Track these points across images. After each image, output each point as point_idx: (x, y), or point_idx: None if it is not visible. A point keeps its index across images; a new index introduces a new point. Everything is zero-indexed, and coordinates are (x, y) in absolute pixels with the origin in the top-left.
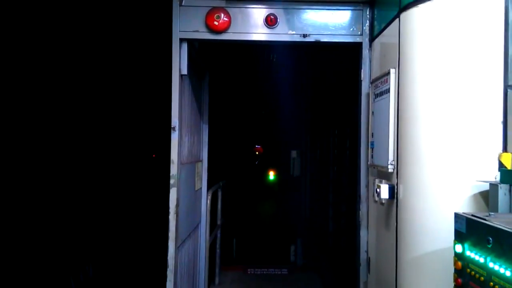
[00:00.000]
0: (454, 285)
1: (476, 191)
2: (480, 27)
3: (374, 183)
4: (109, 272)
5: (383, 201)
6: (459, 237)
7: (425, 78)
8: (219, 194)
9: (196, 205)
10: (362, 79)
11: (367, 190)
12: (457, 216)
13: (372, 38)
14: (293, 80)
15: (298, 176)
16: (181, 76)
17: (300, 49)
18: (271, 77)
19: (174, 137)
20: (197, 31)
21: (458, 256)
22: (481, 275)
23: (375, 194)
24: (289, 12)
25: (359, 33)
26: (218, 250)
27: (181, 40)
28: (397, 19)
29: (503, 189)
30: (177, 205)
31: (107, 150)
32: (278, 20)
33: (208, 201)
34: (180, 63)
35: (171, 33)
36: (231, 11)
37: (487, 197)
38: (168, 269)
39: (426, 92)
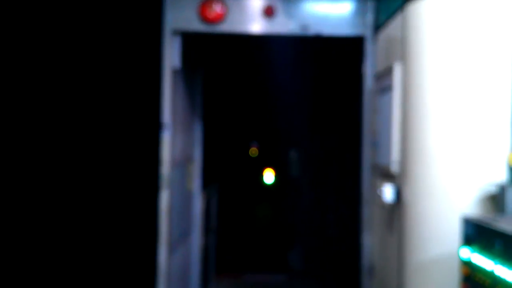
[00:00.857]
0: None
1: (485, 193)
2: (490, 20)
3: (377, 185)
4: (96, 276)
5: (387, 204)
6: (466, 241)
7: (434, 74)
8: (213, 196)
9: (189, 207)
10: (365, 74)
11: (371, 192)
12: (464, 219)
13: (375, 31)
14: (293, 75)
15: (297, 177)
16: (173, 70)
17: (300, 42)
18: (269, 73)
19: (166, 135)
20: (190, 22)
21: (465, 261)
22: (488, 281)
23: (379, 196)
24: (288, 3)
25: (362, 25)
26: (212, 256)
27: (174, 32)
28: (402, 10)
29: (511, 191)
30: (169, 207)
31: (92, 149)
32: (277, 11)
33: (202, 204)
34: (172, 56)
35: (163, 25)
36: (227, 1)
37: (495, 199)
38: (159, 276)
39: (434, 87)
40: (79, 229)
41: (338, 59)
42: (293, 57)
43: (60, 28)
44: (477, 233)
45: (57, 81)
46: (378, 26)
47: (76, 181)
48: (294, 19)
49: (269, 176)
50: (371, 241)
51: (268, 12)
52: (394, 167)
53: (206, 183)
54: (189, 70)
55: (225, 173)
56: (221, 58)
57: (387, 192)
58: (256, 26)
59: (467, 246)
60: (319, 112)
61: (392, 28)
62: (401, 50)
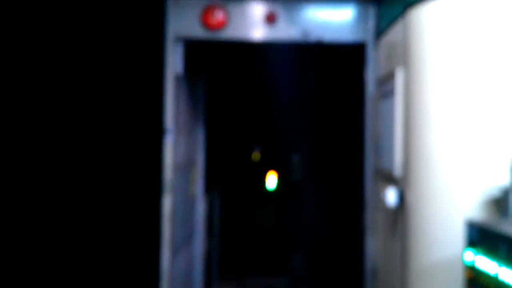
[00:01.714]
0: None
1: (488, 196)
2: (492, 24)
3: (380, 189)
4: (100, 281)
5: (390, 207)
6: (470, 244)
7: (436, 79)
8: (216, 200)
9: (191, 211)
10: (367, 79)
11: (374, 196)
12: (468, 223)
13: (377, 37)
14: (295, 81)
15: (299, 181)
16: (176, 76)
17: (302, 49)
18: (271, 78)
19: (168, 140)
20: (192, 29)
21: (469, 265)
22: (492, 285)
23: (382, 200)
24: (289, 9)
25: (363, 31)
26: (215, 259)
27: (176, 39)
28: (404, 16)
29: None
30: (172, 212)
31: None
32: (278, 17)
33: (204, 208)
34: (174, 62)
35: (165, 31)
36: (229, 8)
37: (499, 203)
38: (162, 280)
39: (437, 92)
40: (82, 233)
41: (340, 65)
42: (295, 63)
43: (64, 35)
44: (480, 237)
45: (61, 86)
46: (379, 32)
47: (80, 185)
48: (296, 25)
49: (271, 180)
50: (374, 245)
51: (270, 19)
52: (397, 171)
53: (209, 187)
54: (191, 76)
55: (227, 178)
56: (223, 64)
57: (390, 196)
58: (258, 32)
59: (471, 250)
60: (322, 117)
61: (394, 33)
62: (402, 55)
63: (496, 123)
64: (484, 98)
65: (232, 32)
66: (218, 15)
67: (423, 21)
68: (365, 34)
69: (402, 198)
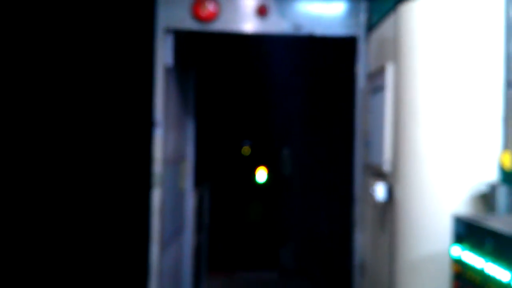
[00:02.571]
0: None
1: (475, 192)
2: (481, 21)
3: (369, 183)
4: (87, 275)
5: (379, 202)
6: (457, 239)
7: (425, 74)
8: (206, 194)
9: (181, 205)
10: (357, 74)
11: (363, 190)
12: (455, 218)
13: (368, 31)
14: (286, 74)
15: (289, 175)
16: (166, 69)
17: (293, 42)
18: (262, 72)
19: (158, 133)
20: (183, 20)
21: (456, 260)
22: (479, 279)
23: (371, 195)
24: (281, 3)
25: (354, 25)
26: (204, 254)
27: (166, 31)
28: (395, 10)
29: (502, 190)
30: (161, 206)
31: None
32: (270, 10)
33: (194, 202)
34: (164, 54)
35: (155, 23)
36: (220, 0)
37: (487, 198)
38: (151, 274)
39: (426, 87)
40: (70, 227)
41: (331, 59)
42: (286, 56)
43: (53, 26)
44: (468, 232)
45: (49, 79)
46: (370, 26)
47: (68, 179)
48: (287, 18)
49: (261, 174)
50: (362, 239)
51: (261, 11)
52: (386, 166)
53: (199, 181)
54: (181, 69)
55: (217, 172)
56: (214, 57)
57: (379, 191)
58: (249, 25)
59: (458, 245)
60: (312, 111)
61: (385, 28)
62: (393, 50)
63: (485, 119)
64: (473, 94)
65: (223, 24)
66: (209, 7)
67: (414, 16)
68: (356, 29)
69: (390, 193)
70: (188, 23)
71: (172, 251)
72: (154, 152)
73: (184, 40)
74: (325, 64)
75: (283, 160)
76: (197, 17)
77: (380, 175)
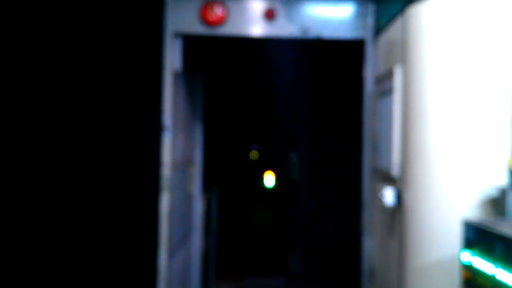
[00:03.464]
0: None
1: (485, 196)
2: (491, 23)
3: (378, 188)
4: (95, 280)
5: (388, 207)
6: (467, 244)
7: (434, 77)
8: (214, 198)
9: (189, 210)
10: (365, 77)
11: (371, 195)
12: (465, 223)
13: (376, 34)
14: (294, 78)
15: (297, 180)
16: (174, 73)
17: (301, 45)
18: (270, 76)
19: (166, 137)
20: (191, 25)
21: (466, 265)
22: (489, 285)
23: (380, 200)
24: (289, 6)
25: (362, 28)
26: (212, 259)
27: (175, 35)
28: (403, 13)
29: None
30: (169, 210)
31: (93, 151)
32: (277, 14)
33: (202, 206)
34: (173, 59)
35: (164, 27)
36: (228, 4)
37: (497, 203)
38: (159, 279)
39: (434, 91)
40: (79, 231)
41: (339, 62)
42: (293, 60)
43: (62, 30)
44: (477, 237)
45: (58, 83)
46: (378, 29)
47: (76, 182)
48: (295, 22)
49: (269, 179)
50: (371, 244)
51: (269, 15)
52: (395, 171)
53: (207, 186)
54: (190, 73)
55: (225, 176)
56: (222, 61)
57: (388, 196)
58: (257, 29)
59: (468, 250)
60: (320, 115)
61: (393, 31)
62: (401, 53)
63: (494, 122)
64: (482, 98)
65: (231, 28)
66: (217, 11)
67: (422, 19)
68: (364, 31)
69: (399, 197)
70: (196, 27)
71: (180, 256)
72: (162, 156)
73: (192, 44)
74: (333, 67)
75: (291, 165)
76: (205, 21)
77: (388, 179)
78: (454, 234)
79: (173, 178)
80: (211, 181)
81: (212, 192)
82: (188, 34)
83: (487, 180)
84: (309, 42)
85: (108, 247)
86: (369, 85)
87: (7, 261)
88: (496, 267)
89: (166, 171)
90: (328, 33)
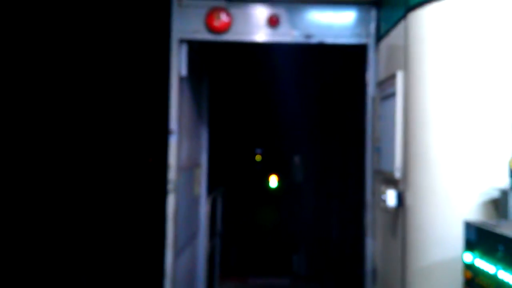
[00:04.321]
0: None
1: (486, 198)
2: (491, 28)
3: (380, 190)
4: (104, 281)
5: (390, 208)
6: (469, 245)
7: (435, 81)
8: (219, 200)
9: (195, 211)
10: (368, 81)
11: (374, 197)
12: (466, 224)
13: (378, 40)
14: (297, 83)
15: (300, 182)
16: (180, 78)
17: (304, 51)
18: (273, 80)
19: (173, 140)
20: (197, 31)
21: (468, 266)
22: (491, 285)
23: (382, 201)
24: (292, 13)
25: (364, 34)
26: (217, 259)
27: (181, 41)
28: (404, 19)
29: None
30: (176, 212)
31: (101, 153)
32: (281, 20)
33: (207, 208)
34: (179, 64)
35: (170, 34)
36: (232, 11)
37: (498, 204)
38: (165, 279)
39: (436, 94)
40: (87, 233)
41: (341, 67)
42: (297, 65)
43: (71, 37)
44: (479, 238)
45: (67, 88)
46: (380, 35)
47: (85, 185)
48: (298, 28)
49: (273, 181)
50: (374, 245)
51: (273, 21)
52: (397, 173)
53: (212, 188)
54: (195, 78)
55: (230, 178)
56: (227, 66)
57: (390, 197)
58: (261, 35)
59: (470, 251)
60: (323, 119)
61: (395, 36)
62: (403, 58)
63: (495, 125)
64: (482, 101)
65: (235, 35)
66: (222, 18)
67: (423, 24)
68: (366, 37)
69: (401, 199)
70: (202, 34)
71: (186, 257)
72: (169, 159)
73: (198, 50)
74: (336, 72)
75: (294, 167)
76: (210, 28)
77: (391, 181)
78: (456, 235)
79: (180, 180)
80: (217, 183)
81: (218, 194)
82: (194, 40)
83: (488, 181)
84: (312, 48)
85: (116, 247)
86: (371, 89)
87: (15, 262)
88: (498, 267)
89: (173, 173)
90: (331, 39)
